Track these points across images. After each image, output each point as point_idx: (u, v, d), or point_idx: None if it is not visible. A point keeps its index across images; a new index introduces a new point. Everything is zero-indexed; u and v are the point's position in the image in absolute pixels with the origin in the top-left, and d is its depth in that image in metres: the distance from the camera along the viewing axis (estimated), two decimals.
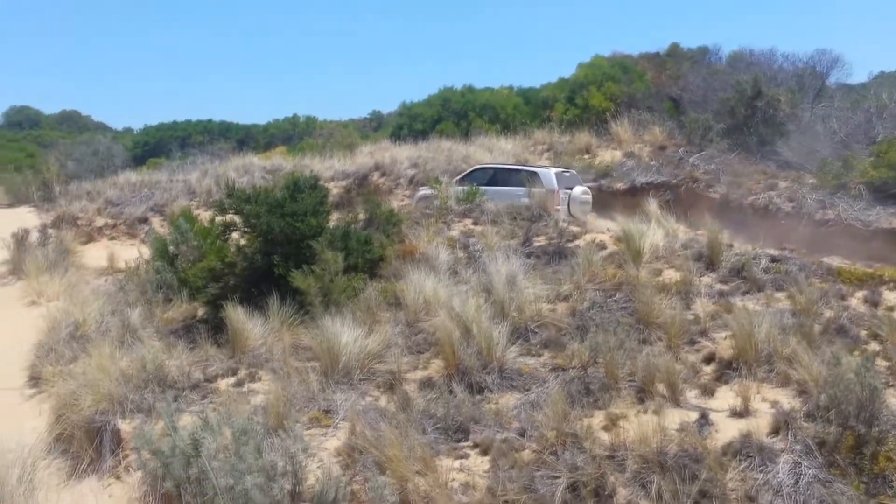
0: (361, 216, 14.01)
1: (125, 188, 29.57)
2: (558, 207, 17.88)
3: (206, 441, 6.17)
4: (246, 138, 48.36)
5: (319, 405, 8.10)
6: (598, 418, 7.43)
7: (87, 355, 10.39)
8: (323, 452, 7.12)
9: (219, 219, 13.18)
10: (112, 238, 25.15)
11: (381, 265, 12.30)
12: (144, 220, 26.40)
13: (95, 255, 21.27)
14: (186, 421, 7.19)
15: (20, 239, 20.76)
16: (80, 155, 37.61)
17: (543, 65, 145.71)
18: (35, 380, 11.23)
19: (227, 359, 9.94)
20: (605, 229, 15.33)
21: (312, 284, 10.61)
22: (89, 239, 24.53)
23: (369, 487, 5.79)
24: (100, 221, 26.60)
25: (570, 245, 13.41)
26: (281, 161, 31.28)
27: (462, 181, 19.84)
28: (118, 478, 7.85)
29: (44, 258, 18.67)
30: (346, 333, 9.09)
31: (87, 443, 8.32)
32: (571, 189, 19.04)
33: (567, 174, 20.04)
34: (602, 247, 12.98)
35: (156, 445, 6.48)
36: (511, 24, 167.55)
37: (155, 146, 48.88)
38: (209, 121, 54.27)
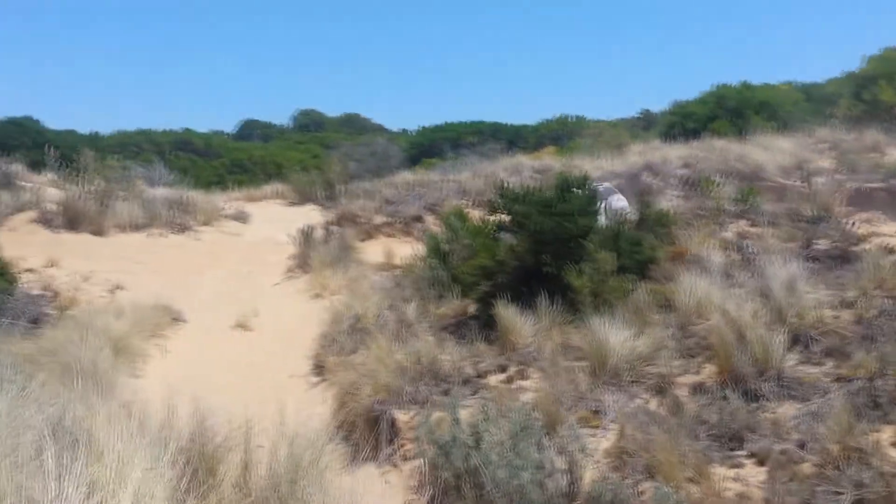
0: (632, 216, 13.83)
1: (401, 188, 30.85)
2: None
3: (487, 434, 6.32)
4: (515, 138, 49.06)
5: (588, 405, 8.06)
6: (888, 433, 6.89)
7: (367, 347, 10.95)
8: (593, 453, 7.10)
9: (490, 218, 13.48)
10: (389, 235, 26.31)
11: (651, 266, 12.07)
12: (419, 219, 27.40)
13: (374, 251, 22.32)
14: (460, 414, 7.39)
15: (306, 235, 22.24)
16: (360, 156, 39.58)
17: (826, 59, 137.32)
18: (319, 368, 11.96)
19: (497, 355, 10.12)
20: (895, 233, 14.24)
21: (585, 284, 10.60)
22: (368, 236, 25.81)
23: (656, 496, 5.66)
24: (378, 219, 27.91)
25: (856, 249, 12.58)
26: (550, 161, 31.48)
27: None
28: (395, 466, 8.19)
29: (327, 254, 19.87)
30: (615, 334, 9.00)
31: (366, 431, 8.74)
32: (607, 199, 18.56)
33: (604, 185, 19.87)
34: (892, 251, 12.06)
35: (437, 436, 6.71)
36: (790, 17, 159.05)
37: (428, 147, 50.65)
38: (480, 122, 55.66)
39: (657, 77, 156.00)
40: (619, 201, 19.79)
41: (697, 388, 8.29)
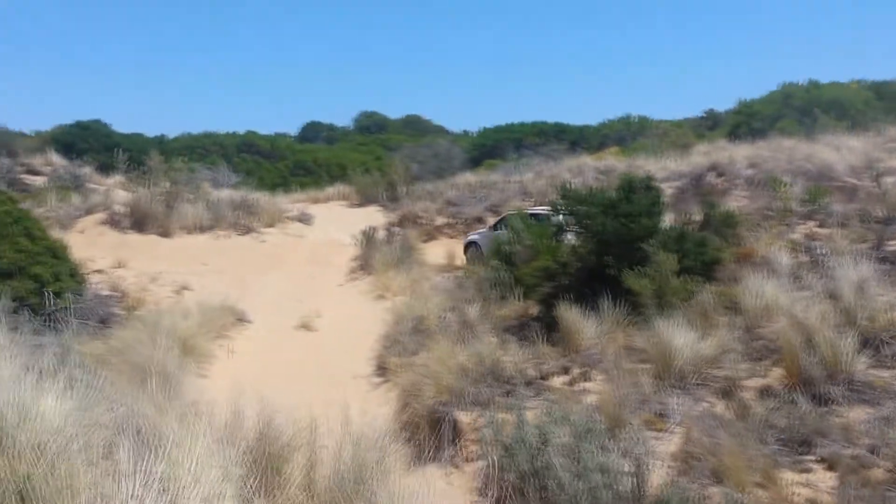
0: (697, 217, 13.65)
1: (463, 189, 30.94)
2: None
3: (553, 436, 6.28)
4: (579, 139, 48.77)
5: (653, 408, 7.97)
6: None
7: (429, 348, 10.97)
8: (658, 457, 7.00)
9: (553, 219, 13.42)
10: (451, 237, 26.36)
11: (716, 268, 11.90)
12: (480, 220, 27.43)
13: (436, 252, 22.38)
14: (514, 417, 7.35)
15: (369, 237, 22.38)
16: (423, 157, 39.79)
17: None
18: (382, 369, 12.02)
19: (559, 357, 10.07)
20: None
21: (647, 286, 10.49)
22: (430, 237, 25.92)
23: (725, 501, 5.56)
24: (440, 220, 28.01)
25: None
26: (614, 162, 31.30)
27: (495, 227, 20.98)
28: (457, 467, 8.17)
29: (390, 255, 19.97)
30: (680, 337, 8.88)
31: (428, 432, 8.73)
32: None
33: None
34: None
35: (503, 437, 6.68)
36: (859, 14, 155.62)
37: (491, 148, 50.60)
38: (543, 122, 55.39)
39: (722, 76, 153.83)
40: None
41: (765, 392, 8.14)
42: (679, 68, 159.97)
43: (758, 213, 16.33)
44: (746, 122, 34.38)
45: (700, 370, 8.64)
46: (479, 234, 22.04)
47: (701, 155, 28.90)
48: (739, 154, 26.66)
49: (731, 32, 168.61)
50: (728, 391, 8.21)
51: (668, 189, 22.10)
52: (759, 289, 10.26)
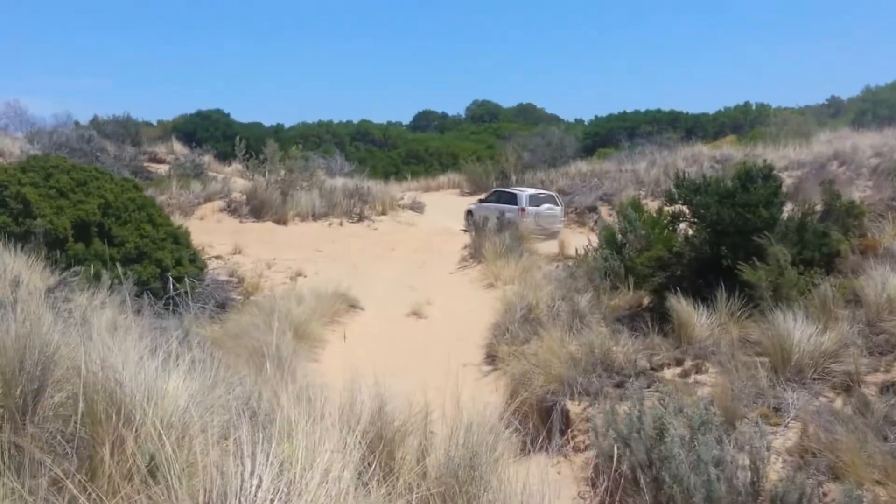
0: (818, 208, 13.23)
1: (575, 178, 30.82)
2: (525, 220, 24.77)
3: (671, 427, 6.21)
4: (694, 127, 47.79)
5: (768, 402, 7.78)
6: None
7: (539, 337, 10.96)
8: (774, 451, 6.85)
9: (667, 208, 13.22)
10: (565, 226, 26.29)
11: (838, 260, 11.51)
12: (593, 209, 27.28)
13: (547, 241, 22.37)
14: (629, 408, 7.28)
15: (480, 225, 22.48)
16: (535, 146, 39.66)
17: None
18: (492, 358, 12.08)
19: (672, 348, 9.93)
20: None
21: (763, 278, 10.24)
22: None
23: (845, 498, 5.40)
24: None
25: None
26: (730, 150, 30.63)
27: (484, 200, 28.02)
28: (566, 457, 8.17)
29: (500, 244, 20.03)
30: (798, 330, 8.64)
31: (538, 421, 8.73)
32: (539, 206, 25.76)
33: (542, 195, 26.87)
34: None
35: (618, 427, 6.64)
36: None
37: (604, 136, 50.11)
38: (657, 110, 54.49)
39: (846, 62, 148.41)
40: (549, 210, 25.98)
41: (887, 387, 7.84)
42: (801, 54, 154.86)
43: (883, 204, 15.74)
44: (872, 110, 33.14)
45: (819, 364, 8.37)
46: (474, 205, 28.00)
47: (823, 143, 28.07)
48: (864, 142, 25.78)
49: (856, 17, 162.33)
50: (847, 386, 7.95)
51: (787, 178, 21.51)
52: (883, 281, 9.87)
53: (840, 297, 10.17)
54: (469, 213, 27.76)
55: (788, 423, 7.36)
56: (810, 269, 10.66)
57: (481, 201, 28.13)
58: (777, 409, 7.64)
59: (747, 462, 6.02)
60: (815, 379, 8.25)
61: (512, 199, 26.19)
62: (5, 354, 4.31)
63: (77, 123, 35.15)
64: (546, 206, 26.05)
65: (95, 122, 36.82)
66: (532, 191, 27.11)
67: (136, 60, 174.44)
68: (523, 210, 25.43)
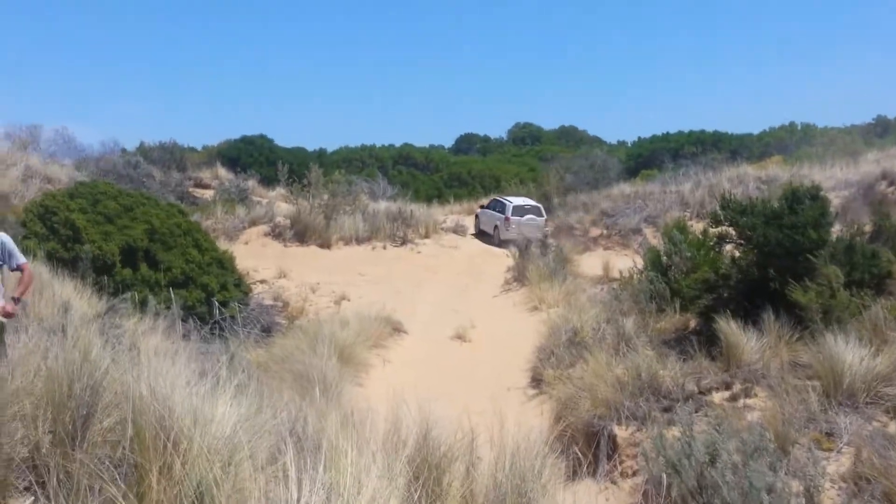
0: (867, 228, 13.01)
1: (619, 200, 30.60)
2: (509, 228, 27.31)
3: (723, 453, 6.11)
4: (739, 148, 47.22)
5: (820, 427, 7.63)
6: None
7: (584, 361, 10.88)
8: (827, 477, 6.71)
9: (712, 230, 13.09)
10: (606, 248, 26.14)
11: (889, 281, 11.30)
12: (637, 231, 27.05)
13: (591, 263, 22.24)
14: (679, 432, 7.17)
15: (523, 249, 22.43)
16: (578, 168, 39.48)
17: None
18: (537, 381, 12.01)
19: (720, 372, 9.78)
20: None
21: (814, 299, 10.06)
22: (585, 248, 25.79)
23: None
24: (595, 231, 27.82)
25: None
26: (776, 171, 30.27)
27: (484, 207, 30.78)
28: (613, 482, 8.07)
29: (544, 266, 19.96)
30: (850, 353, 8.46)
31: (584, 445, 8.63)
32: (522, 217, 27.81)
33: (528, 206, 28.93)
34: None
35: (668, 452, 6.55)
36: None
37: (647, 158, 49.70)
38: (701, 131, 53.96)
39: (893, 80, 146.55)
40: (531, 221, 27.50)
41: None
42: (847, 73, 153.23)
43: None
44: None
45: (872, 388, 8.20)
46: (479, 210, 31.06)
47: (871, 163, 27.61)
48: None
49: None
50: None
51: (835, 199, 21.20)
52: None
53: (892, 319, 9.96)
54: (476, 216, 31.20)
55: (841, 448, 7.21)
56: (861, 291, 10.46)
57: (483, 207, 31.19)
58: (829, 434, 7.49)
59: (801, 489, 5.90)
60: (867, 403, 8.08)
61: (502, 208, 28.85)
62: (55, 381, 4.36)
63: (124, 150, 35.69)
64: (529, 216, 28.15)
65: (142, 149, 37.36)
66: (519, 201, 29.58)
67: (181, 86, 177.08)
68: (508, 219, 27.90)
